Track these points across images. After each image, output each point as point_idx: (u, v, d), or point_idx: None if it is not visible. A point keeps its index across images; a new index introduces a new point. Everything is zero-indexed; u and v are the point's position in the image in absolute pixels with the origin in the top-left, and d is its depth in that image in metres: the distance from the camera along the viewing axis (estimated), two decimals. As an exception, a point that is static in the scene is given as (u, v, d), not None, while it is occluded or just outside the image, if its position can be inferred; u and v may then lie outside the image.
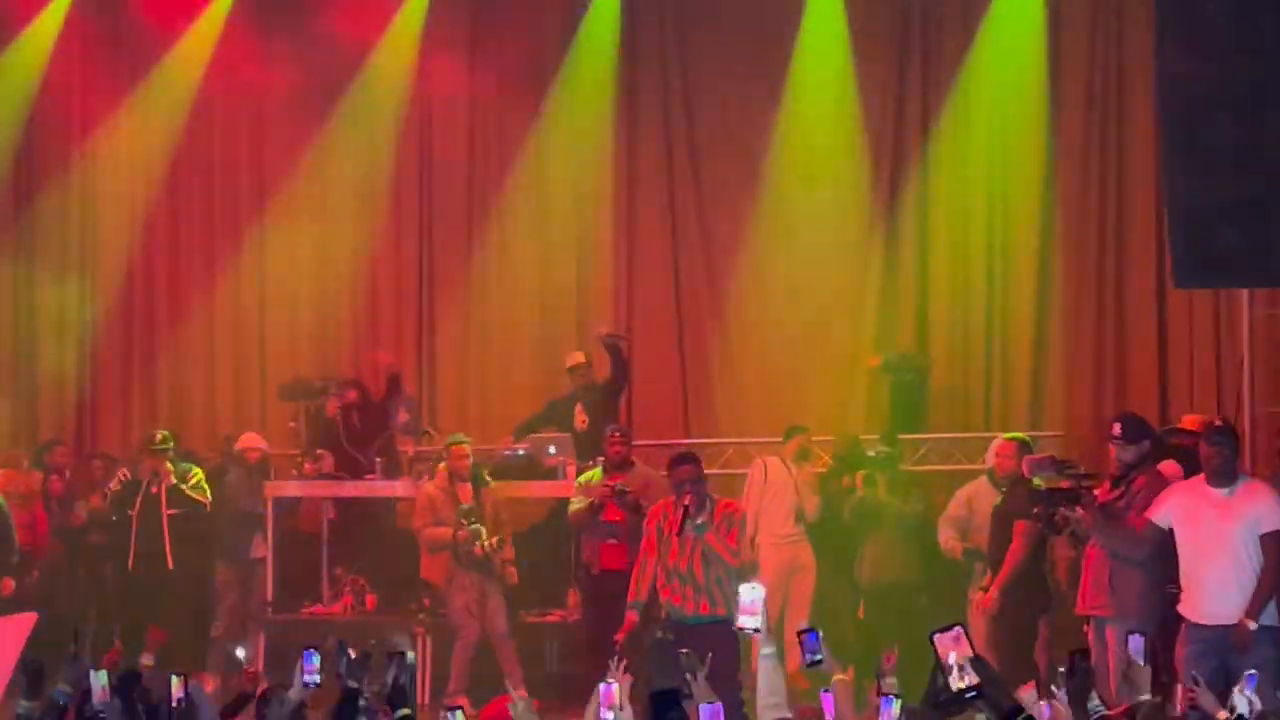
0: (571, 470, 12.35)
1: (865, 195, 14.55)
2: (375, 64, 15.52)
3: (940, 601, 11.69)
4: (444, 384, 15.37)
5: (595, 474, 11.55)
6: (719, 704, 5.34)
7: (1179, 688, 7.12)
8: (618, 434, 11.55)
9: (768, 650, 6.49)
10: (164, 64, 15.83)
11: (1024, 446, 10.59)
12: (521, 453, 13.04)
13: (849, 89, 14.59)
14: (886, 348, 14.22)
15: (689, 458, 9.51)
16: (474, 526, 11.84)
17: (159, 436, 12.92)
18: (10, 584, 11.94)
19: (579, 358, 13.44)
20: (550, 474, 12.78)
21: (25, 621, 9.33)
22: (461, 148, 15.68)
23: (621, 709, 6.06)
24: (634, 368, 15.07)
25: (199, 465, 13.18)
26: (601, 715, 6.11)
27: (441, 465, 12.29)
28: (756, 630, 6.78)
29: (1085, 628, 9.20)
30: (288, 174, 15.73)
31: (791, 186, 14.64)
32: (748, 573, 9.86)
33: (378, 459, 13.08)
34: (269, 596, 13.02)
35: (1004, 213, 14.29)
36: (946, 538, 11.67)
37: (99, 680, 6.20)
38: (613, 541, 11.23)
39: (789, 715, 6.05)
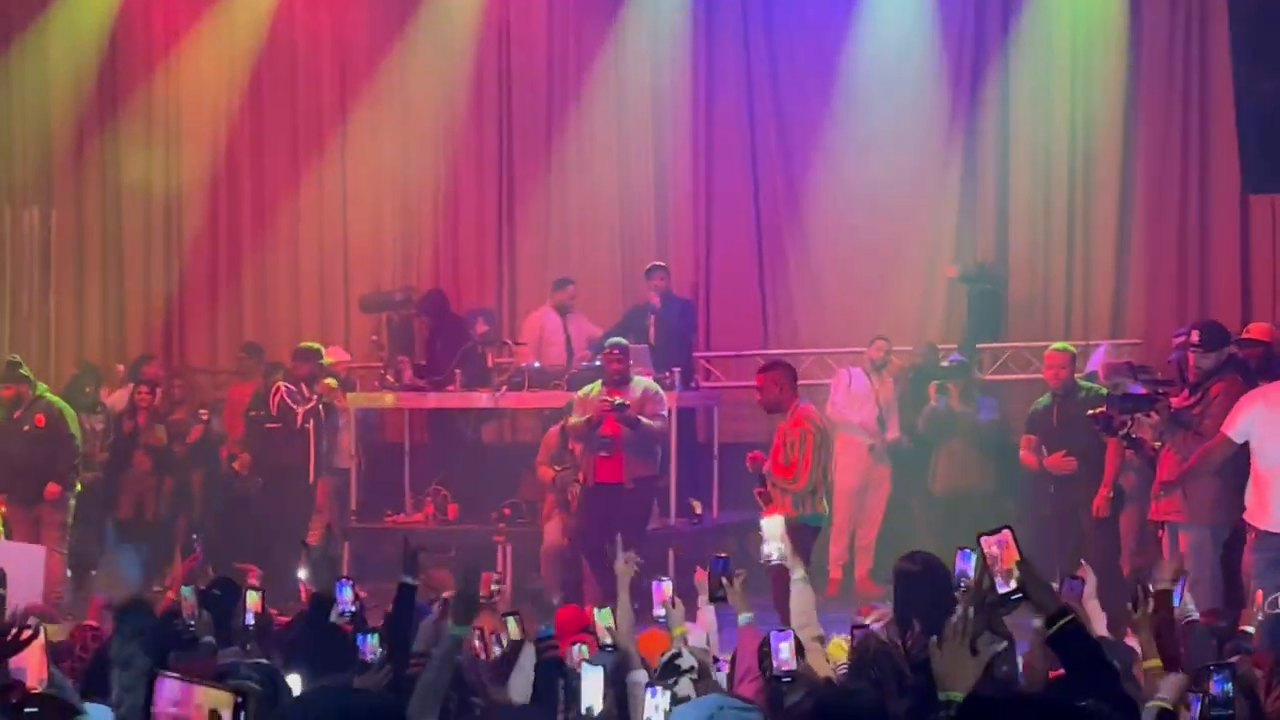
0: (648, 376, 12.37)
1: (945, 104, 14.43)
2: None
3: (1017, 510, 11.69)
4: (523, 295, 15.44)
5: (594, 387, 11.55)
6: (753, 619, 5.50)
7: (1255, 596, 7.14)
8: (616, 350, 11.49)
9: (797, 574, 6.57)
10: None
11: (1072, 357, 10.60)
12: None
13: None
14: (965, 257, 14.15)
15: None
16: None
17: (321, 349, 13.02)
18: (55, 489, 12.12)
19: (659, 266, 13.47)
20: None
21: (37, 553, 9.46)
22: (540, 57, 15.69)
23: (674, 605, 6.19)
24: (713, 278, 15.14)
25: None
26: (655, 612, 6.25)
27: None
28: (781, 560, 6.89)
29: (1160, 533, 9.19)
30: (369, 87, 15.83)
31: (870, 95, 14.54)
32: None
33: (457, 370, 13.19)
34: (353, 506, 13.22)
35: (1085, 119, 14.12)
36: (1026, 452, 11.65)
37: (185, 594, 6.33)
38: (605, 455, 11.27)
39: (821, 633, 6.14)
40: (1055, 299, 14.18)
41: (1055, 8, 14.15)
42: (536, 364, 13.00)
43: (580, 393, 11.64)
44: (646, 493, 11.51)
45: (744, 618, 5.59)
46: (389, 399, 13.47)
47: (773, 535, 7.07)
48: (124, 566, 12.60)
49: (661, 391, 11.52)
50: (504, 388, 12.86)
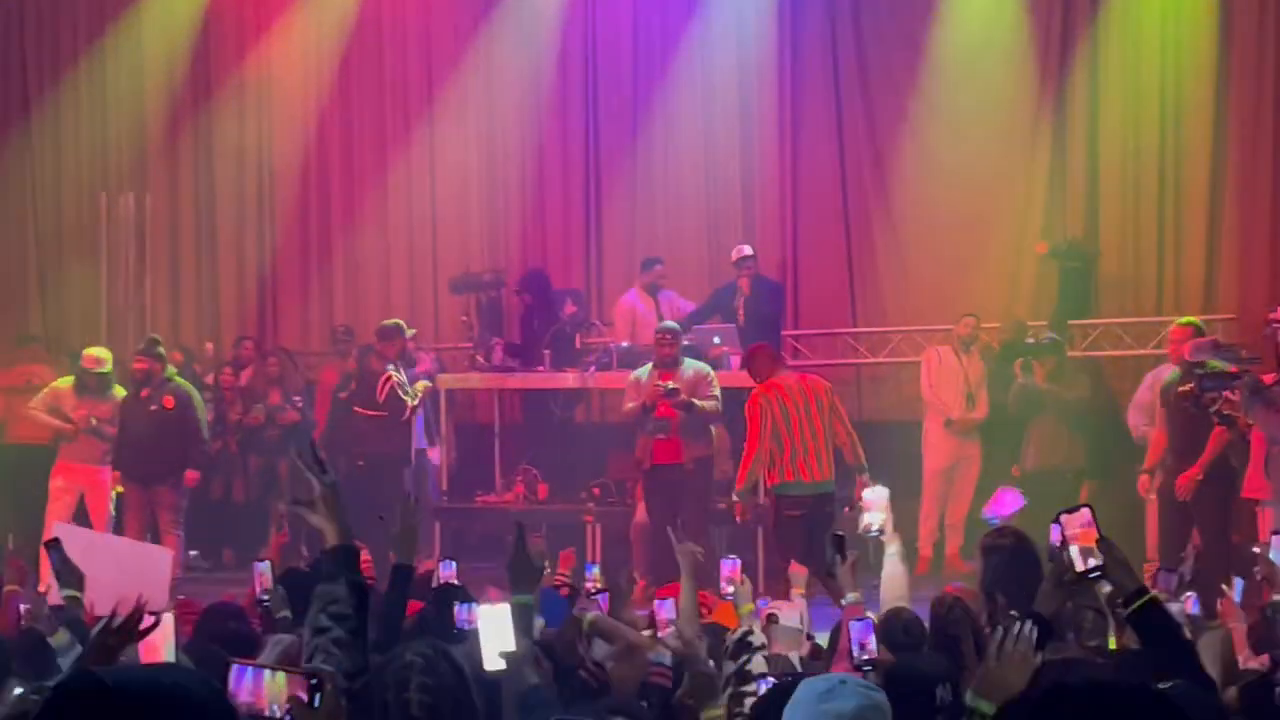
0: (736, 360, 12.42)
1: (1033, 79, 14.32)
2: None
3: (1108, 487, 11.63)
4: (610, 277, 15.49)
5: (644, 371, 11.62)
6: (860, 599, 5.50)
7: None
8: (667, 334, 11.57)
9: (892, 550, 6.59)
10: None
11: (1196, 330, 10.43)
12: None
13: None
14: (1054, 234, 14.05)
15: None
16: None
17: (404, 325, 13.15)
18: (194, 476, 12.29)
19: (745, 250, 13.45)
20: (715, 364, 12.86)
21: (164, 555, 9.57)
22: (626, 36, 15.71)
23: (742, 583, 6.24)
24: (800, 256, 15.11)
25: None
26: (722, 589, 6.31)
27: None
28: (880, 532, 6.91)
29: (1257, 510, 9.12)
30: (456, 69, 15.93)
31: (958, 71, 14.45)
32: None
33: (546, 351, 13.27)
34: (443, 486, 13.33)
35: (1176, 94, 13.97)
36: (1135, 423, 11.57)
37: (262, 569, 6.42)
38: (662, 437, 11.38)
39: (907, 605, 6.16)
40: (1146, 276, 14.06)
41: (1146, -18, 14.02)
42: (625, 344, 13.06)
43: (632, 376, 11.77)
44: (706, 472, 11.59)
45: (850, 597, 5.63)
46: (476, 380, 13.57)
47: (878, 506, 7.07)
48: None
49: (712, 373, 11.61)
50: (592, 368, 12.93)
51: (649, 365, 11.62)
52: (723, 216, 15.27)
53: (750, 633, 5.42)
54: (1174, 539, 9.77)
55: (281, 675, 2.98)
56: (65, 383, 12.54)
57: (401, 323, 13.12)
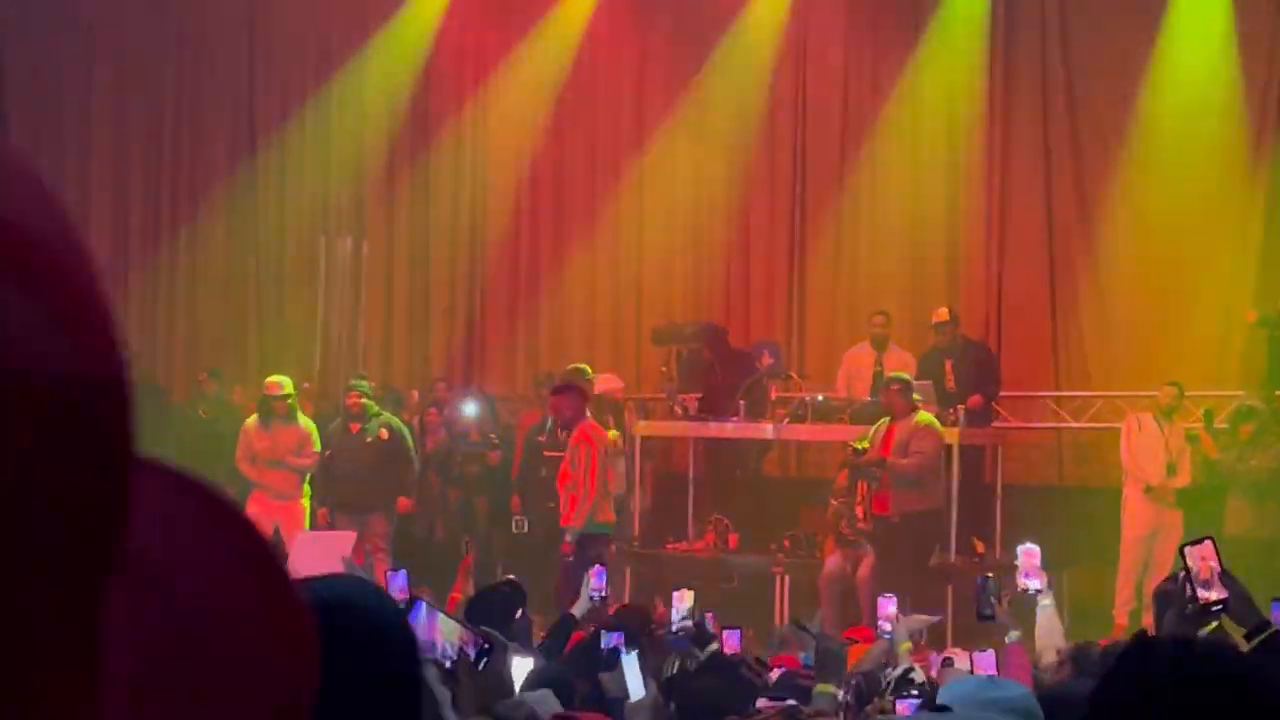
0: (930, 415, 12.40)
1: (1247, 141, 14.02)
2: (751, 6, 15.76)
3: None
4: (813, 328, 15.50)
5: (884, 422, 11.76)
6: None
7: None
8: (894, 384, 11.84)
9: (1046, 602, 6.56)
10: (549, 18, 16.44)
11: None
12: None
13: (1229, 28, 14.08)
14: (1265, 302, 13.69)
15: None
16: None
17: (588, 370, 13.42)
18: (407, 502, 12.65)
19: (943, 314, 13.36)
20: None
21: (346, 539, 9.92)
22: (836, 88, 15.75)
23: (898, 621, 6.31)
24: (1005, 315, 14.95)
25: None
26: (881, 626, 6.36)
27: None
28: (1038, 591, 6.87)
29: None
30: (665, 120, 16.12)
31: (1169, 130, 14.21)
32: None
33: (742, 401, 13.32)
34: (635, 532, 13.46)
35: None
36: None
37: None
38: (877, 489, 11.66)
39: (1062, 645, 6.14)
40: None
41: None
42: (821, 397, 13.07)
43: (873, 428, 11.93)
44: (918, 526, 11.55)
45: (1012, 635, 5.63)
46: (671, 428, 13.70)
47: (1033, 564, 7.04)
48: None
49: (934, 426, 11.57)
50: (785, 420, 12.96)
51: (886, 418, 11.84)
52: (927, 270, 15.19)
53: (911, 670, 5.46)
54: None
55: (457, 626, 3.11)
56: (250, 421, 12.95)
57: (586, 368, 13.34)
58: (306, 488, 12.94)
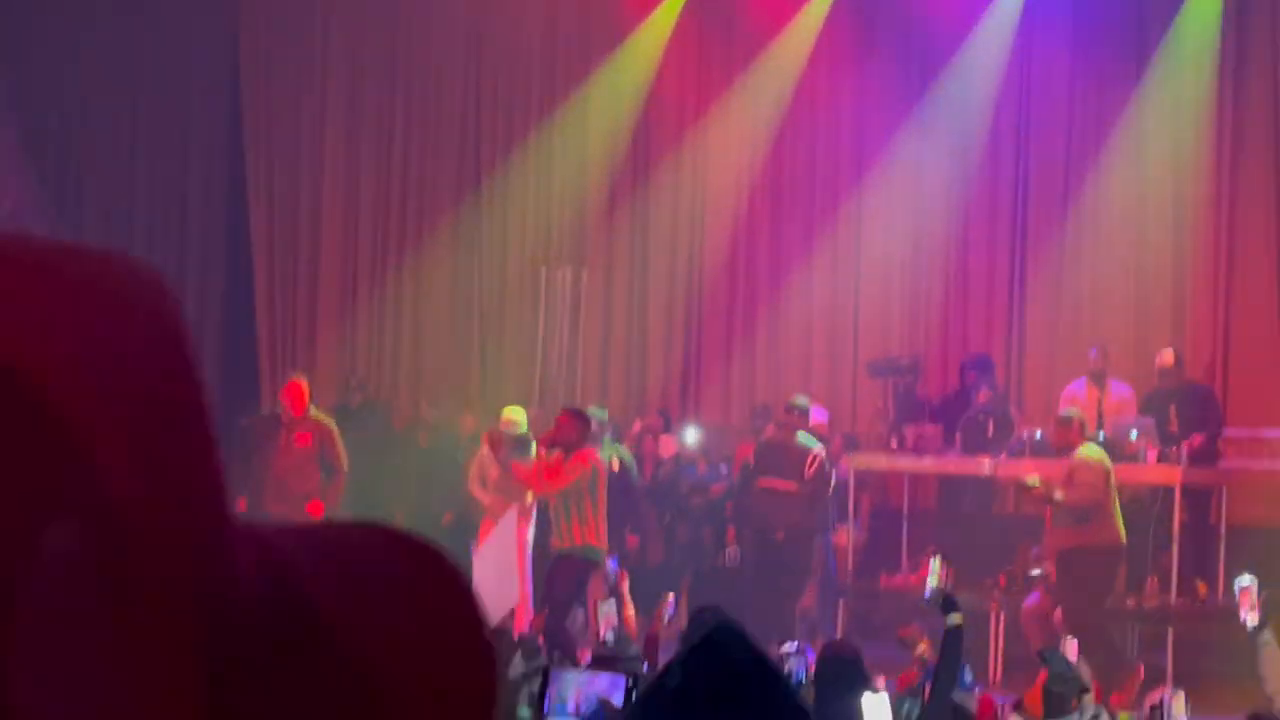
0: (1153, 455, 12.21)
1: None
2: (972, 46, 15.69)
3: None
4: (1031, 364, 15.34)
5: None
6: None
7: None
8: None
9: (1267, 638, 6.44)
10: (770, 52, 16.56)
11: None
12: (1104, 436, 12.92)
13: None
14: None
15: None
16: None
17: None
18: (634, 540, 12.86)
19: (1168, 357, 13.13)
20: (1132, 458, 12.61)
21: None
22: (1059, 119, 15.57)
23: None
24: (1233, 352, 14.63)
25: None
26: None
27: None
28: (1255, 628, 6.76)
29: None
30: (884, 153, 16.10)
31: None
32: None
33: (959, 435, 13.25)
34: (850, 566, 13.45)
35: None
36: None
37: (608, 610, 6.79)
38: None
39: None
40: None
41: None
42: (1039, 433, 12.92)
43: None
44: (1070, 564, 11.48)
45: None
46: (886, 462, 13.68)
47: (1251, 597, 6.93)
48: None
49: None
50: (1003, 455, 12.85)
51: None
52: (1152, 309, 14.93)
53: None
54: None
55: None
56: (486, 449, 13.23)
57: (804, 400, 13.40)
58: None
